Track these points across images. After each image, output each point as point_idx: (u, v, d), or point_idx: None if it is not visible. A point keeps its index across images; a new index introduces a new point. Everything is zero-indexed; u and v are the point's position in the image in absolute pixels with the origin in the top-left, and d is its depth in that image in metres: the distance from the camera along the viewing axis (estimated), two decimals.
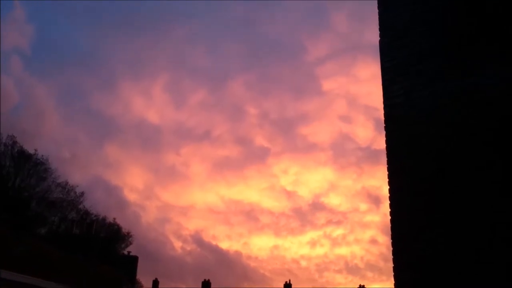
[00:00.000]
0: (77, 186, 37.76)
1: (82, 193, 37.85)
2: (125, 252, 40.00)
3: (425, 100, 5.23)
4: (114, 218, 41.99)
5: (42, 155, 34.64)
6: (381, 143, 5.56)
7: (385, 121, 5.50)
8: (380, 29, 5.82)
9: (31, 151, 34.01)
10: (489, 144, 4.65)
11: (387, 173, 5.20)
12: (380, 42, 5.76)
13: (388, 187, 5.20)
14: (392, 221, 5.01)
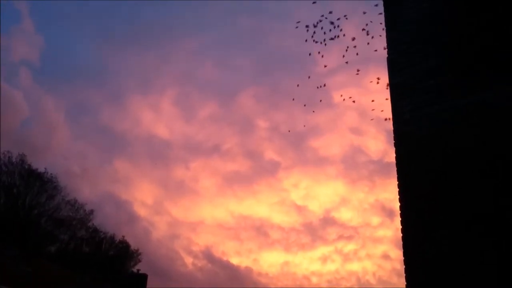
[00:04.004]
0: (86, 204, 37.92)
1: (91, 211, 38.00)
2: (134, 270, 39.89)
3: (432, 117, 5.24)
4: (123, 236, 42.02)
5: (51, 173, 34.93)
6: (393, 156, 5.56)
7: (394, 137, 5.52)
8: (387, 46, 5.88)
9: (40, 166, 34.33)
10: (497, 161, 4.64)
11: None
12: (388, 59, 5.81)
13: (399, 203, 5.20)
14: (403, 238, 4.99)
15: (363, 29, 11.28)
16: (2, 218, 31.05)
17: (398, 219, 5.17)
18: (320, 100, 15.57)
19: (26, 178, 33.46)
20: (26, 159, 33.67)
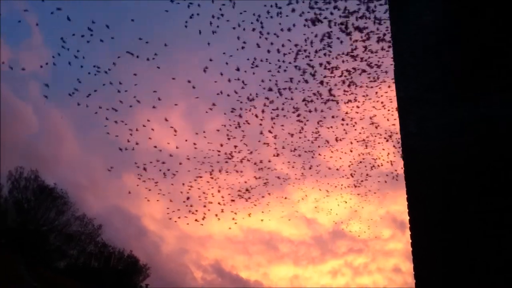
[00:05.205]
0: (95, 218, 38.06)
1: (100, 226, 38.13)
2: (143, 285, 39.80)
3: (439, 129, 5.25)
4: (131, 251, 42.01)
5: (61, 189, 35.17)
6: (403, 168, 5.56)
7: (402, 150, 5.53)
8: (394, 59, 5.92)
9: (49, 180, 34.58)
10: (505, 172, 4.64)
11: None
12: (395, 72, 5.85)
13: (408, 216, 5.19)
14: (413, 251, 4.98)
15: (378, 40, 11.37)
16: (13, 233, 31.24)
17: (408, 232, 5.17)
18: (330, 109, 15.60)
19: (37, 193, 33.72)
20: (38, 174, 33.99)
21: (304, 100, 14.90)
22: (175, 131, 16.94)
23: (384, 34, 11.75)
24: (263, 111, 16.11)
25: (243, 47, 14.16)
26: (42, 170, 34.38)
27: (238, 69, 14.50)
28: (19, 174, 33.40)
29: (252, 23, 12.96)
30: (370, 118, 16.81)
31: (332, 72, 13.24)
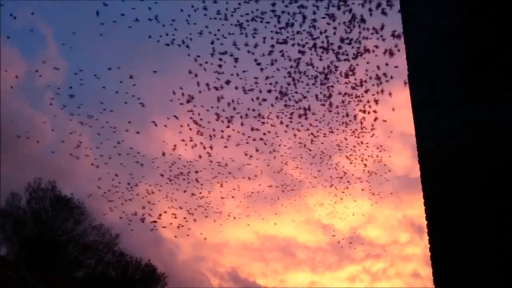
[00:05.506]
0: (112, 228, 38.28)
1: (117, 235, 38.31)
2: None
3: (453, 132, 5.21)
4: (149, 260, 42.12)
5: (78, 199, 35.48)
6: (419, 171, 5.51)
7: (418, 153, 5.49)
8: (407, 63, 5.89)
9: (65, 190, 34.90)
10: None
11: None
12: (409, 76, 5.82)
13: (426, 220, 5.13)
14: (432, 255, 4.92)
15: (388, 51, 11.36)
16: (31, 243, 31.63)
17: (427, 236, 5.11)
18: (344, 116, 15.57)
19: (54, 204, 34.11)
20: (56, 185, 34.40)
21: (318, 98, 14.87)
22: (192, 141, 17.04)
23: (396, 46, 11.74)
24: (277, 117, 16.15)
25: (257, 53, 14.24)
26: (58, 180, 34.72)
27: (261, 69, 14.51)
28: (37, 185, 33.88)
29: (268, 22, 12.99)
30: (384, 121, 16.73)
31: (347, 77, 13.24)
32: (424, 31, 5.81)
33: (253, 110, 16.20)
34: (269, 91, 15.46)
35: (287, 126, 16.69)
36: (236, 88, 15.40)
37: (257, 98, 15.39)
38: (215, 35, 13.62)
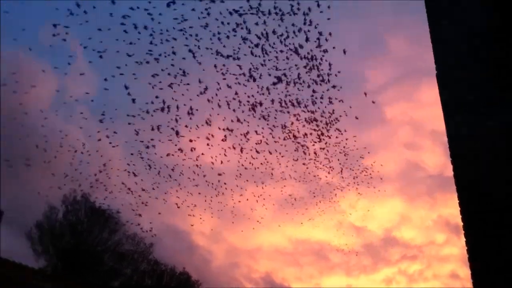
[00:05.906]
0: (146, 237, 38.82)
1: (151, 244, 38.83)
2: None
3: (484, 130, 5.13)
4: (184, 268, 42.50)
5: (112, 210, 36.18)
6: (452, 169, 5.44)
7: (450, 152, 5.42)
8: (435, 62, 5.83)
9: (102, 204, 35.61)
10: None
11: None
12: (437, 75, 5.76)
13: (461, 220, 5.06)
14: (469, 256, 4.83)
15: None
16: (68, 254, 32.43)
17: (463, 237, 5.04)
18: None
19: (89, 215, 34.88)
20: (90, 197, 35.18)
21: (346, 105, 14.83)
22: (224, 150, 17.21)
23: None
24: (304, 120, 16.16)
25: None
26: (92, 192, 35.48)
27: (284, 75, 14.64)
28: (72, 198, 34.76)
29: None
30: (414, 120, 16.52)
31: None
32: (452, 31, 5.75)
33: (280, 113, 16.24)
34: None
35: (315, 130, 16.68)
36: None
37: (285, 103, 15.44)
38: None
